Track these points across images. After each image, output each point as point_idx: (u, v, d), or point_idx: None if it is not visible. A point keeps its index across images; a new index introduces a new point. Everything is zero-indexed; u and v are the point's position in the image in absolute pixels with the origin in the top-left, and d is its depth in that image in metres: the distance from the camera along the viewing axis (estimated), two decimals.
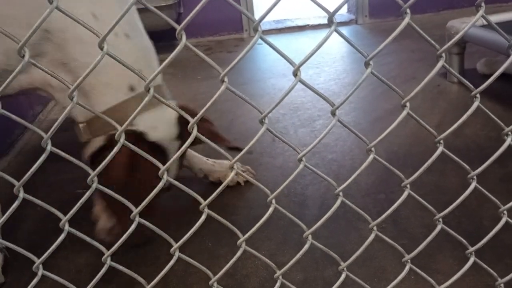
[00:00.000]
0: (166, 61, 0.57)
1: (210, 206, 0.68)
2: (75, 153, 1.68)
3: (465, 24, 2.15)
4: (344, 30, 3.55)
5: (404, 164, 1.61)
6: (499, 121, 0.68)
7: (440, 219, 0.73)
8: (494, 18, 2.14)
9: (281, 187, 0.65)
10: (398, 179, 0.72)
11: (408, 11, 0.60)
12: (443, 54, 0.64)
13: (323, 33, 3.47)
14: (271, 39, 3.44)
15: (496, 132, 1.70)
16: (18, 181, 0.61)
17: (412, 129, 1.80)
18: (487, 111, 0.68)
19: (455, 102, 2.09)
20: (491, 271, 0.82)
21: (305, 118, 2.06)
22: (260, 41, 0.59)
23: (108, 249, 0.68)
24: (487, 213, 1.29)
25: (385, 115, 2.01)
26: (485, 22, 0.63)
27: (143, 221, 0.67)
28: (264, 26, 3.58)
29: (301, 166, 0.63)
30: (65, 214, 0.65)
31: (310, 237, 0.70)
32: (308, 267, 1.17)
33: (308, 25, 3.70)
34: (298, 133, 1.92)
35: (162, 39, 2.72)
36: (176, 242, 0.71)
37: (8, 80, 0.54)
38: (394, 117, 0.63)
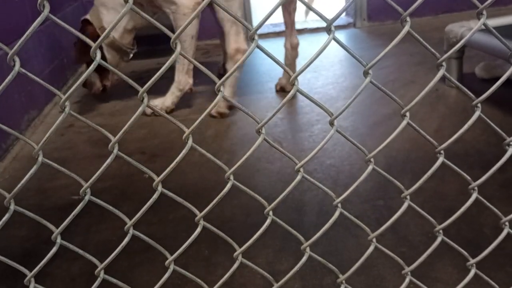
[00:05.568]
0: (160, 70, 0.56)
1: (207, 213, 0.67)
2: (71, 158, 1.65)
3: (464, 28, 2.14)
4: (342, 33, 3.54)
5: (403, 170, 1.60)
6: (500, 131, 0.67)
7: (441, 231, 0.72)
8: (494, 22, 2.13)
9: (278, 199, 0.64)
10: (397, 185, 0.71)
11: (408, 19, 0.59)
12: (444, 63, 0.63)
13: (321, 37, 3.46)
14: (269, 42, 3.43)
15: (496, 138, 1.69)
16: (12, 189, 0.59)
17: (411, 134, 1.78)
18: (488, 120, 0.67)
19: (454, 106, 2.07)
20: (492, 282, 0.81)
21: (304, 122, 2.04)
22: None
23: (101, 261, 0.67)
24: (487, 220, 1.28)
25: (384, 120, 1.99)
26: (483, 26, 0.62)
27: (137, 233, 0.66)
28: (261, 29, 3.56)
29: (298, 177, 0.61)
30: (59, 222, 0.63)
31: (308, 249, 0.69)
32: (306, 275, 1.16)
33: (306, 28, 3.69)
34: (296, 138, 1.91)
35: (161, 43, 2.72)
36: (172, 251, 0.69)
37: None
38: (393, 122, 0.62)
